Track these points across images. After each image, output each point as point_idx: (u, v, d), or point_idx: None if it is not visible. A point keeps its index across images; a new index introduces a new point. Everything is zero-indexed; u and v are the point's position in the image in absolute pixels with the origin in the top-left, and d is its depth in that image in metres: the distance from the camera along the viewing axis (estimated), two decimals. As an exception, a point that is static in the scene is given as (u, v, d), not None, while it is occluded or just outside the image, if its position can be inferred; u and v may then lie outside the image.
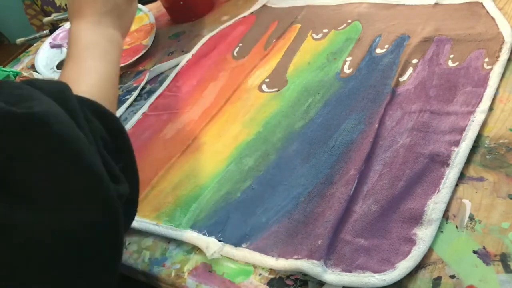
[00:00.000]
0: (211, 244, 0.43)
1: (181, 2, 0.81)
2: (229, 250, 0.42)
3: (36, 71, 0.81)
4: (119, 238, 0.32)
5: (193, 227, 0.46)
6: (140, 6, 0.88)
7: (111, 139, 0.35)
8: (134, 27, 0.83)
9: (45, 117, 0.28)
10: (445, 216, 0.38)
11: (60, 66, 0.82)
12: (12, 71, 0.81)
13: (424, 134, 0.45)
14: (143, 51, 0.76)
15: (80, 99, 0.35)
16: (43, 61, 0.85)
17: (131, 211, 0.38)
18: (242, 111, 0.57)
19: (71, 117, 0.31)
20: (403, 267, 0.36)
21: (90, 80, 0.44)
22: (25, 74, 0.78)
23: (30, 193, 0.28)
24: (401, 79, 0.52)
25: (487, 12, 0.56)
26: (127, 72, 0.76)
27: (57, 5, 1.82)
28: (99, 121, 0.35)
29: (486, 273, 0.34)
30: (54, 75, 0.79)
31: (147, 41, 0.78)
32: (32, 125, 0.28)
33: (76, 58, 0.46)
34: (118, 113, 0.66)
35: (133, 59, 0.76)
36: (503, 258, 0.34)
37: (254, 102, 0.58)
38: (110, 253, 0.32)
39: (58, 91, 0.33)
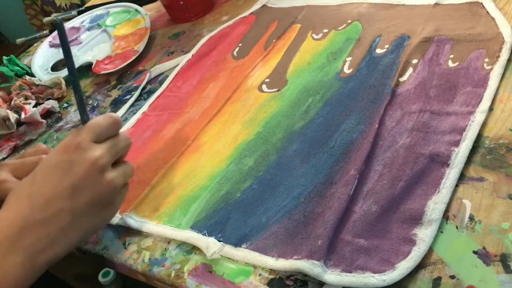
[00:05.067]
0: (211, 244, 0.43)
1: (181, 2, 0.81)
2: (229, 250, 0.42)
3: (32, 73, 0.81)
4: None
5: (193, 227, 0.46)
6: (138, 7, 0.88)
7: None
8: (129, 30, 0.84)
9: None
10: (445, 216, 0.38)
11: (54, 67, 0.82)
12: (22, 67, 0.82)
13: (424, 134, 0.45)
14: (133, 57, 0.76)
15: None
16: (40, 61, 0.85)
17: None
18: (242, 111, 0.57)
19: None
20: (403, 267, 0.36)
21: None
22: (27, 77, 0.78)
23: None
24: (401, 79, 0.52)
25: (487, 12, 0.56)
26: (127, 72, 0.76)
27: (57, 5, 1.82)
28: None
29: (486, 273, 0.34)
30: (48, 77, 0.79)
31: (139, 47, 0.78)
32: None
33: None
34: (119, 113, 0.66)
35: (123, 65, 0.75)
36: (503, 259, 0.34)
37: (254, 102, 0.58)
38: None
39: None
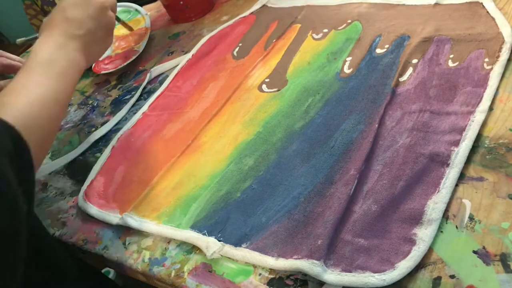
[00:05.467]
0: (211, 244, 0.43)
1: (181, 2, 0.81)
2: (229, 250, 0.42)
3: None
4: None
5: (193, 227, 0.46)
6: (138, 7, 0.88)
7: (17, 165, 0.35)
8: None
9: None
10: (445, 216, 0.38)
11: None
12: None
13: (424, 134, 0.45)
14: (134, 57, 0.76)
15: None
16: None
17: None
18: (242, 111, 0.57)
19: None
20: (403, 267, 0.36)
21: (32, 94, 0.44)
22: None
23: None
24: (401, 79, 0.52)
25: (487, 12, 0.56)
26: (127, 72, 0.76)
27: (57, 5, 1.82)
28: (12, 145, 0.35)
29: (486, 273, 0.34)
30: None
31: (139, 47, 0.78)
32: None
33: (27, 71, 0.46)
34: (121, 114, 0.66)
35: (123, 65, 0.75)
36: (503, 258, 0.34)
37: (254, 102, 0.58)
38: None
39: None
